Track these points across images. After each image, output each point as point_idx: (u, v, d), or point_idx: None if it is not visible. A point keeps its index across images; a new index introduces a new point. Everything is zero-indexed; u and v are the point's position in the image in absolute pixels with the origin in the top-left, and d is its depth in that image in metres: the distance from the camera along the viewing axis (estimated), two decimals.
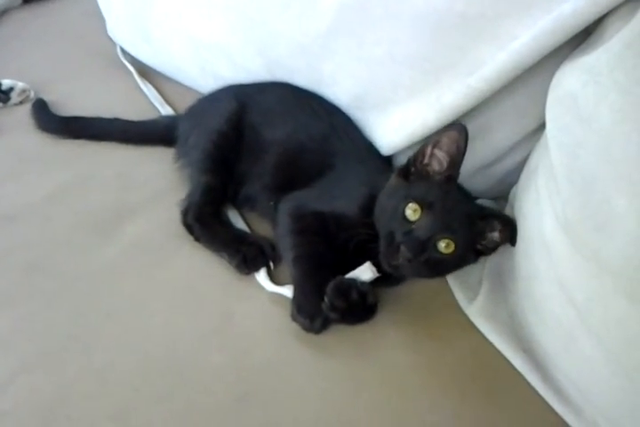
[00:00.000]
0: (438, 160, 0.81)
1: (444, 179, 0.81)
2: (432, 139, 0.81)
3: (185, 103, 1.14)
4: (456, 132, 0.78)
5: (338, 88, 1.01)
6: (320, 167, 0.95)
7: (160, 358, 0.78)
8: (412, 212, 0.79)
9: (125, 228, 0.94)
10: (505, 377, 0.79)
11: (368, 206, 0.85)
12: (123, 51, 1.36)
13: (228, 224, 0.96)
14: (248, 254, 0.88)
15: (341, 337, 0.81)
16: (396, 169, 0.86)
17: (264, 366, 0.78)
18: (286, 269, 0.89)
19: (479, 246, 0.83)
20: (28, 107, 1.17)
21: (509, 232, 0.82)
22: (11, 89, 1.18)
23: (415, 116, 0.91)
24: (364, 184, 0.92)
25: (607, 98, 0.64)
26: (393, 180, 0.84)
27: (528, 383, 0.78)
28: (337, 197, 0.90)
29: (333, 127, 0.99)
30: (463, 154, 0.79)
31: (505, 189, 0.98)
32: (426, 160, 0.82)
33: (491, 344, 0.83)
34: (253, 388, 0.75)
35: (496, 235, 0.82)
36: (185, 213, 0.94)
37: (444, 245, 0.78)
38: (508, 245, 0.85)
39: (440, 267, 0.82)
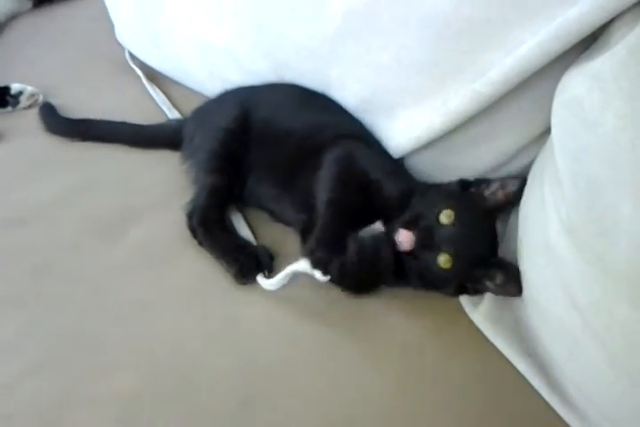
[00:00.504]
0: (495, 198, 0.86)
1: (487, 212, 0.85)
2: (506, 178, 0.88)
3: (193, 108, 1.14)
4: (518, 186, 0.85)
5: (345, 92, 1.02)
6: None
7: (165, 360, 0.79)
8: (446, 217, 0.81)
9: (132, 231, 0.95)
10: (509, 381, 0.79)
11: (405, 191, 0.87)
12: (131, 55, 1.36)
13: (230, 230, 0.95)
14: (245, 264, 0.88)
15: (345, 341, 0.81)
16: (459, 179, 0.89)
17: (269, 369, 0.78)
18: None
19: (467, 284, 0.84)
20: (36, 111, 1.18)
21: (510, 288, 0.82)
22: (20, 93, 1.19)
23: (421, 120, 0.91)
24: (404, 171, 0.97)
25: (612, 104, 0.64)
26: (453, 185, 0.88)
27: (532, 387, 0.78)
28: (385, 171, 0.92)
29: (347, 122, 1.01)
30: (512, 205, 0.87)
31: None
32: (486, 192, 0.86)
33: (495, 348, 0.82)
34: (258, 391, 0.76)
35: (491, 285, 0.83)
36: (190, 217, 0.94)
37: (442, 260, 0.80)
38: (512, 249, 0.85)
39: (421, 275, 0.83)
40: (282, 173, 0.96)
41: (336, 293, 0.86)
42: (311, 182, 0.92)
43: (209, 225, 0.93)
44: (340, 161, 0.92)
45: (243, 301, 0.86)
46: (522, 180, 0.85)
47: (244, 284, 0.88)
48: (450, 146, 0.94)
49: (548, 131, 0.81)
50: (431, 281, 0.83)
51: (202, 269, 0.90)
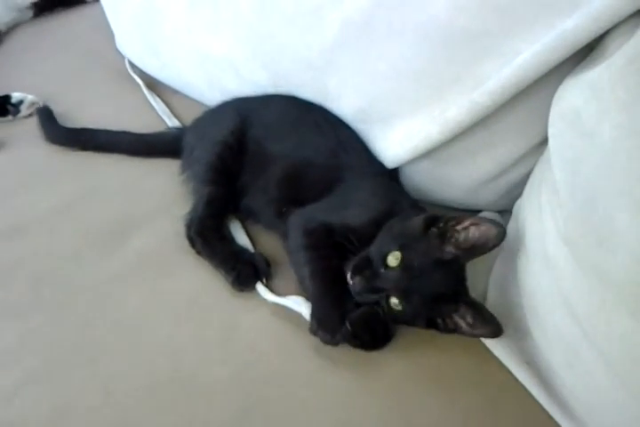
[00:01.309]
0: (465, 236, 0.77)
1: (453, 255, 0.78)
2: (478, 217, 0.81)
3: (192, 116, 1.15)
4: (497, 232, 0.75)
5: (342, 102, 1.02)
6: (327, 180, 0.95)
7: (164, 370, 0.79)
8: (394, 259, 0.78)
9: (131, 240, 0.95)
10: (509, 390, 0.79)
11: (378, 220, 0.85)
12: (131, 64, 1.37)
13: (228, 239, 0.96)
14: (242, 273, 0.88)
15: (345, 350, 0.81)
16: (426, 215, 0.83)
17: (268, 378, 0.78)
18: (282, 282, 0.90)
19: (439, 321, 0.81)
20: (36, 119, 1.18)
21: (481, 329, 0.79)
22: (20, 102, 1.20)
23: (419, 130, 0.92)
24: (374, 197, 0.93)
25: (609, 114, 0.64)
26: (417, 222, 0.81)
27: (532, 397, 0.78)
28: (347, 209, 0.90)
29: (339, 140, 1.00)
30: (484, 252, 0.78)
31: (510, 202, 0.98)
32: (458, 227, 0.77)
33: (495, 357, 0.82)
34: (257, 400, 0.76)
35: (463, 323, 0.79)
36: (188, 227, 0.95)
37: (392, 302, 0.79)
38: (511, 259, 0.85)
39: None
40: (279, 194, 0.96)
41: None
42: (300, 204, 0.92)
43: (206, 235, 0.94)
44: (299, 227, 0.90)
45: (242, 310, 0.86)
46: (502, 230, 0.75)
47: (242, 291, 0.89)
48: (447, 156, 0.94)
49: (545, 141, 0.82)
50: (394, 320, 0.82)
51: (201, 279, 0.90)
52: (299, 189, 0.95)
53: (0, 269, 0.90)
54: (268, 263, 0.92)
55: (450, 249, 0.78)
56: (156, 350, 0.81)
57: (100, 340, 0.82)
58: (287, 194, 0.96)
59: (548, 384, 0.78)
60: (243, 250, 0.94)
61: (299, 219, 0.91)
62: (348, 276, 0.81)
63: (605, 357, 0.66)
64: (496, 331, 0.77)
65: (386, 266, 0.78)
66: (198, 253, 0.93)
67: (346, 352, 0.81)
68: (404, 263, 0.77)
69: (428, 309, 0.79)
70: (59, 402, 0.75)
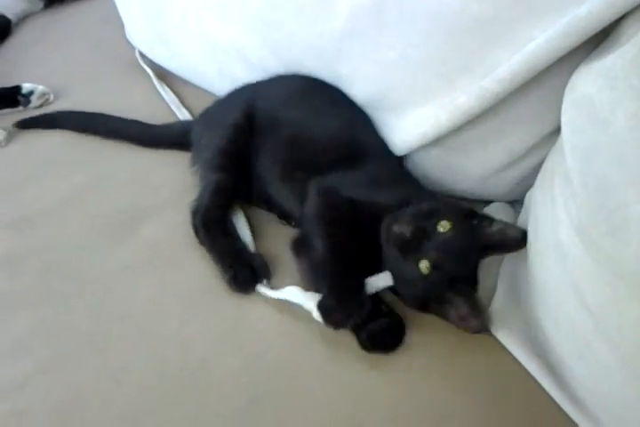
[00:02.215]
0: (494, 237, 0.81)
1: (480, 245, 0.81)
2: (509, 224, 0.84)
3: (202, 106, 1.14)
4: (521, 237, 0.82)
5: (354, 89, 1.02)
6: (341, 151, 0.94)
7: (173, 360, 0.79)
8: (442, 227, 0.78)
9: (140, 231, 0.95)
10: (519, 382, 0.79)
11: (407, 203, 0.84)
12: (141, 54, 1.37)
13: (231, 234, 0.94)
14: (239, 274, 0.87)
15: (353, 341, 0.81)
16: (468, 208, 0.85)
17: (277, 368, 0.78)
18: (282, 280, 0.88)
19: (432, 303, 0.81)
20: (47, 110, 1.19)
21: (469, 322, 0.79)
22: (31, 92, 1.20)
23: (428, 117, 0.91)
24: (404, 179, 0.95)
25: (622, 103, 0.63)
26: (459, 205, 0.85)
27: (543, 389, 0.77)
28: (377, 189, 0.89)
29: (355, 117, 1.01)
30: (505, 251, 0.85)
31: (521, 192, 0.97)
32: (488, 230, 0.81)
33: (505, 349, 0.82)
34: (266, 391, 0.76)
35: (453, 313, 0.79)
36: (194, 215, 0.94)
37: (424, 264, 0.77)
38: (523, 249, 0.84)
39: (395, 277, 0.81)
40: (283, 166, 0.95)
41: None
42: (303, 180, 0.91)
43: (210, 226, 0.93)
44: (322, 194, 0.89)
45: (251, 301, 0.86)
46: (523, 232, 0.82)
47: (237, 292, 0.87)
48: (457, 144, 0.94)
49: (558, 130, 0.81)
50: (402, 285, 0.81)
51: (210, 270, 0.90)
52: (309, 153, 0.94)
53: (10, 259, 0.91)
54: (266, 265, 0.90)
55: (484, 242, 0.80)
56: (166, 341, 0.81)
57: (109, 330, 0.82)
58: (297, 156, 0.95)
59: (559, 376, 0.77)
60: (243, 248, 0.92)
61: (322, 185, 0.90)
62: (395, 225, 0.79)
63: (617, 348, 0.65)
64: (480, 326, 0.79)
65: (433, 230, 0.78)
66: (201, 242, 0.93)
67: (353, 344, 0.81)
68: (453, 232, 0.78)
69: (444, 285, 0.78)
70: (69, 392, 0.75)
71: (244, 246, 0.93)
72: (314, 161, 0.93)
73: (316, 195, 0.89)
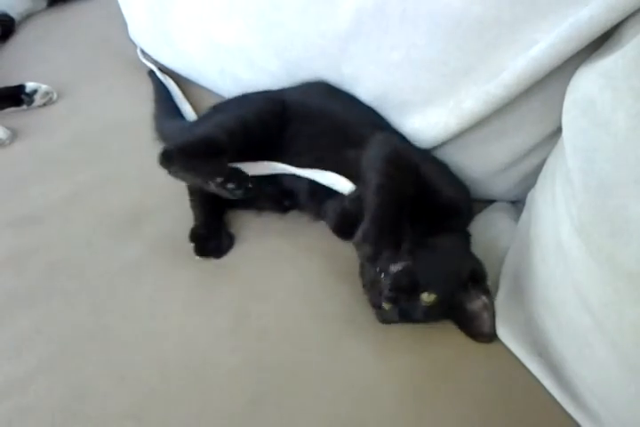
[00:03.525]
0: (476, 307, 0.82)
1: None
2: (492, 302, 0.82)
3: (204, 105, 1.15)
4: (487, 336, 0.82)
5: (357, 90, 1.02)
6: None
7: (176, 358, 0.79)
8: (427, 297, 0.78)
9: (144, 229, 0.96)
10: (520, 382, 0.79)
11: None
12: (143, 52, 1.37)
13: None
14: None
15: (356, 340, 0.82)
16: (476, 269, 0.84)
17: (279, 367, 0.79)
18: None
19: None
20: (50, 109, 1.19)
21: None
22: (34, 91, 1.20)
23: (437, 121, 0.92)
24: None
25: (624, 103, 0.64)
26: (465, 269, 0.83)
27: (544, 388, 0.78)
28: (440, 172, 0.91)
29: (374, 113, 1.01)
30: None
31: (523, 192, 0.98)
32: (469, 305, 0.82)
33: (507, 349, 0.82)
34: (268, 388, 0.76)
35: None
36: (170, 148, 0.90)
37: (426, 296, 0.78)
38: (524, 249, 0.84)
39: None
40: (320, 153, 0.94)
41: (346, 292, 0.86)
42: (351, 162, 0.88)
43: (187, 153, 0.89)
44: (390, 145, 0.89)
45: (253, 298, 0.86)
46: (493, 334, 0.81)
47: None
48: (461, 145, 0.94)
49: (559, 130, 0.81)
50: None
51: (213, 267, 0.91)
52: (347, 138, 0.93)
53: (15, 257, 0.91)
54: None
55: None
56: (169, 338, 0.82)
57: (112, 327, 0.83)
58: (342, 138, 0.93)
59: (561, 376, 0.77)
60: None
61: (391, 139, 0.91)
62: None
63: (618, 348, 0.66)
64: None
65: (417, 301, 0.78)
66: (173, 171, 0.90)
67: (357, 343, 0.81)
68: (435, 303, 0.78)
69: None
70: (72, 389, 0.76)
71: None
72: (358, 140, 0.90)
73: (384, 143, 0.89)
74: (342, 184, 0.87)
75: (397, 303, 0.78)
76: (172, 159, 0.89)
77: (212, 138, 0.93)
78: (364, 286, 0.84)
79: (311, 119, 0.98)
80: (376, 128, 0.95)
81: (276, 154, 0.96)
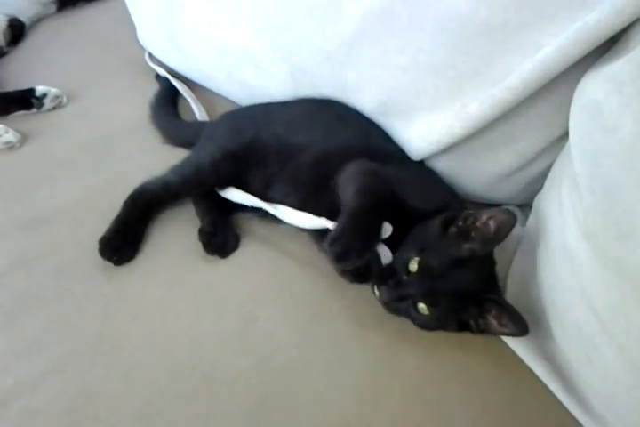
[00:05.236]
0: (487, 231, 0.77)
1: (470, 251, 0.78)
2: (491, 209, 0.78)
3: (212, 109, 1.16)
4: (512, 219, 0.75)
5: (362, 95, 1.02)
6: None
7: (184, 359, 0.80)
8: (413, 264, 0.78)
9: (152, 232, 0.96)
10: (527, 385, 0.79)
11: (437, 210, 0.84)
12: (151, 56, 1.38)
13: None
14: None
15: (363, 343, 0.82)
16: (444, 215, 0.82)
17: (286, 369, 0.79)
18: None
19: (471, 322, 0.81)
20: (60, 112, 1.20)
21: (507, 328, 0.78)
22: (44, 95, 1.21)
23: (442, 125, 0.92)
24: (437, 184, 0.97)
25: (630, 107, 0.64)
26: (436, 223, 0.81)
27: (550, 392, 0.78)
28: (413, 188, 0.89)
29: (365, 127, 1.02)
30: (500, 240, 0.77)
31: (530, 195, 0.98)
32: (477, 224, 0.77)
33: (513, 352, 0.82)
34: (275, 391, 0.77)
35: (495, 323, 0.79)
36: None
37: (420, 307, 0.78)
38: (531, 252, 0.84)
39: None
40: (303, 187, 0.95)
41: (352, 294, 0.87)
42: (332, 194, 0.88)
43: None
44: (363, 166, 0.89)
45: (261, 301, 0.87)
46: (512, 216, 0.75)
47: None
48: (467, 149, 0.94)
49: (566, 134, 0.81)
50: (425, 326, 0.81)
51: (220, 270, 0.91)
52: (335, 171, 0.90)
53: (24, 259, 0.92)
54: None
55: (468, 246, 0.77)
56: (176, 341, 0.82)
57: (121, 329, 0.83)
58: (325, 174, 0.91)
59: (567, 379, 0.77)
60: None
61: (364, 165, 0.89)
62: (375, 288, 0.81)
63: (624, 352, 0.66)
64: (524, 330, 0.76)
65: (408, 273, 0.79)
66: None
67: (362, 345, 0.82)
68: (421, 267, 0.78)
69: (456, 310, 0.79)
70: (81, 391, 0.77)
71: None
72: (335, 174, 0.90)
73: (357, 165, 0.88)
74: (319, 223, 0.87)
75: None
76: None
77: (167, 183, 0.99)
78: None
79: (292, 156, 0.97)
80: (359, 154, 0.93)
81: (261, 191, 0.98)
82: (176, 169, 1.01)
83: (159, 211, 0.99)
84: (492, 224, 0.76)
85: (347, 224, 0.79)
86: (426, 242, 0.80)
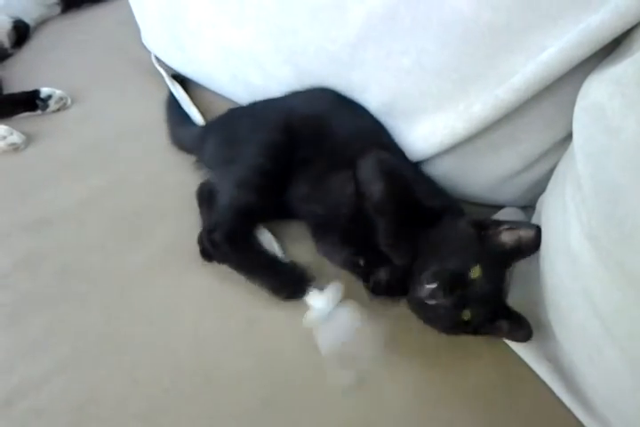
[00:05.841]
0: (510, 239, 0.82)
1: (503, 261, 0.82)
2: (521, 223, 0.86)
3: (216, 110, 1.15)
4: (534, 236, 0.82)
5: (367, 95, 1.02)
6: None
7: (188, 360, 0.80)
8: (475, 273, 0.78)
9: (156, 232, 0.96)
10: (530, 386, 0.79)
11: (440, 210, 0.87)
12: (157, 58, 1.38)
13: (256, 247, 0.92)
14: (287, 282, 0.87)
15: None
16: (471, 219, 0.85)
17: (289, 370, 0.79)
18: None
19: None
20: (64, 114, 1.20)
21: (517, 333, 0.80)
22: (49, 97, 1.21)
23: (444, 125, 0.92)
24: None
25: (634, 109, 0.64)
26: (465, 225, 0.84)
27: (553, 393, 0.78)
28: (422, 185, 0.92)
29: (377, 125, 1.02)
30: (525, 255, 0.83)
31: (533, 197, 0.98)
32: (504, 237, 0.82)
33: (515, 354, 0.82)
34: (278, 392, 0.77)
35: (505, 328, 0.81)
36: (210, 232, 0.90)
37: (466, 313, 0.78)
38: (535, 255, 0.84)
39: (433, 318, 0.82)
40: (319, 174, 0.94)
41: (356, 294, 0.86)
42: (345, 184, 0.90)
43: (237, 242, 0.90)
44: (380, 160, 0.90)
45: (264, 302, 0.87)
46: (537, 228, 0.82)
47: (290, 299, 0.86)
48: (470, 151, 0.94)
49: (569, 136, 0.81)
50: (451, 330, 0.82)
51: (224, 271, 0.91)
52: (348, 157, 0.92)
53: (28, 260, 0.92)
54: (305, 270, 0.90)
55: (503, 247, 0.82)
56: (180, 341, 0.82)
57: (125, 330, 0.84)
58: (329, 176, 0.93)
59: (570, 381, 0.77)
60: (276, 258, 0.91)
61: (381, 154, 0.91)
62: (426, 287, 0.78)
63: (627, 353, 0.66)
64: (528, 335, 0.79)
65: (468, 279, 0.78)
66: (218, 260, 0.91)
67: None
68: (484, 277, 0.78)
69: (487, 316, 0.80)
70: (86, 391, 0.77)
71: (275, 256, 0.91)
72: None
73: (374, 159, 0.90)
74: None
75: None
76: (216, 251, 0.90)
77: (249, 206, 0.93)
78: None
79: (313, 142, 0.97)
80: (374, 143, 0.95)
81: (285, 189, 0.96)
82: (236, 185, 0.94)
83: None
84: (517, 234, 0.82)
85: (387, 241, 0.83)
86: (472, 248, 0.81)
